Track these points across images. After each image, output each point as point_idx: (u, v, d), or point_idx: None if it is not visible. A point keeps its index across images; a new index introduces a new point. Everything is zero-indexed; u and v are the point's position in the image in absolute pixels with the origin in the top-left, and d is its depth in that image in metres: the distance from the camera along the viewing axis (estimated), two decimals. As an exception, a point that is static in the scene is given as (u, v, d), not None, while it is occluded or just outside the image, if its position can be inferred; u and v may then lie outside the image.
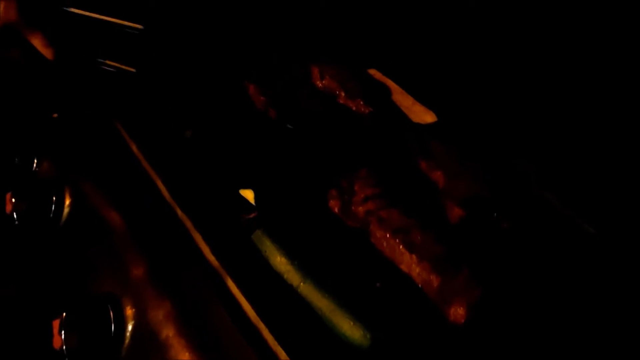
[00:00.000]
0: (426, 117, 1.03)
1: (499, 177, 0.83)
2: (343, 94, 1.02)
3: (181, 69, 1.03)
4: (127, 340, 0.70)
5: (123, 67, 1.01)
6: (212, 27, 1.10)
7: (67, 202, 0.93)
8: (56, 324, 0.72)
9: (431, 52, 1.15)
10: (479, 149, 0.90)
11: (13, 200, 0.92)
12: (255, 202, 0.75)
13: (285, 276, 0.66)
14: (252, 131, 0.88)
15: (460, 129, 0.96)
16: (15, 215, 0.91)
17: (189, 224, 0.75)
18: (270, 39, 1.11)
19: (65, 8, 1.00)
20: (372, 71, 1.14)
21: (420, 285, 0.66)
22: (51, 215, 0.91)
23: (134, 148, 0.91)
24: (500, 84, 1.03)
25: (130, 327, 0.71)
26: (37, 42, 1.03)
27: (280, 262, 0.67)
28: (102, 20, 1.02)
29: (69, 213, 0.92)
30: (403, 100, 1.07)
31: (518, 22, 1.03)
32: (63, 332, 0.71)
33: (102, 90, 1.04)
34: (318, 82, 1.05)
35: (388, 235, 0.69)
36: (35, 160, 1.00)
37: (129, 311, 0.73)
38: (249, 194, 0.76)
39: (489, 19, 1.09)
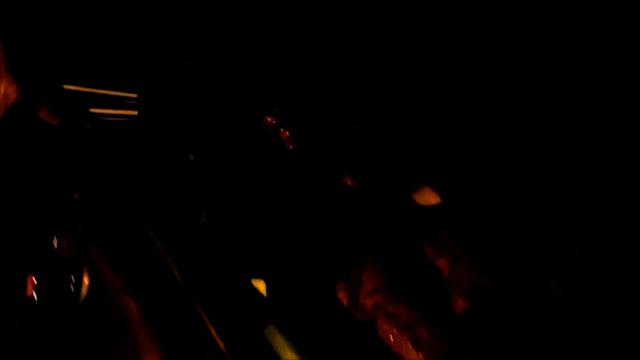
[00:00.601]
0: (430, 198, 1.06)
1: (503, 265, 0.86)
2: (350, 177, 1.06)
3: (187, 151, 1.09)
4: None
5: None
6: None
7: (86, 282, 0.97)
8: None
9: (436, 132, 1.20)
10: (484, 235, 0.93)
11: (34, 282, 0.96)
12: (267, 293, 0.78)
13: (295, 373, 0.68)
14: (263, 222, 0.91)
15: (465, 212, 1.00)
16: (35, 297, 0.95)
17: (203, 314, 0.78)
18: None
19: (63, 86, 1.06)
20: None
21: (426, 383, 0.68)
22: (70, 296, 0.95)
23: (152, 233, 0.95)
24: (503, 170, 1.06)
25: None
26: (44, 115, 1.09)
27: (290, 358, 0.69)
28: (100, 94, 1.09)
29: (87, 294, 0.96)
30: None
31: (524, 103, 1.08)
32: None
33: (117, 171, 1.09)
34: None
35: (395, 331, 0.72)
36: (56, 240, 1.05)
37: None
38: (260, 285, 0.79)
39: (495, 101, 1.13)
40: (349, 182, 1.03)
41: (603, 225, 0.94)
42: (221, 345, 0.73)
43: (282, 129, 1.10)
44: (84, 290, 0.95)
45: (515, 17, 1.05)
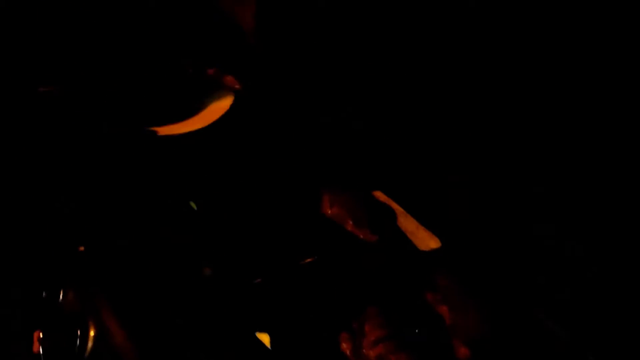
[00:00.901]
0: (431, 242, 1.08)
1: (505, 311, 0.88)
2: (351, 222, 1.08)
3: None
4: None
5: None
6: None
7: (91, 335, 0.98)
8: None
9: (433, 174, 1.23)
10: (485, 280, 0.95)
11: (41, 337, 0.97)
12: (271, 345, 0.79)
13: None
14: (265, 274, 0.93)
15: (465, 257, 1.02)
16: (41, 353, 0.95)
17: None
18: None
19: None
20: (377, 193, 1.21)
21: None
22: (76, 350, 0.96)
23: (156, 284, 0.96)
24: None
25: None
26: None
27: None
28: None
29: (93, 347, 0.96)
30: (407, 224, 1.13)
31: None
32: None
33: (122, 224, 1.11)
34: (328, 210, 1.12)
35: (399, 382, 0.73)
36: (61, 294, 1.06)
37: None
38: (265, 338, 0.81)
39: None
40: (362, 235, 1.05)
41: (604, 269, 0.95)
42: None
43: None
44: (90, 344, 0.96)
45: (505, 17, 1.07)
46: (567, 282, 0.94)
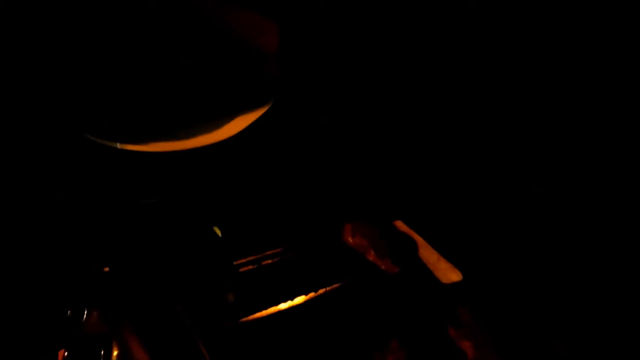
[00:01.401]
0: (452, 275, 1.09)
1: (526, 346, 0.88)
2: (373, 252, 1.10)
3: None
4: None
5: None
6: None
7: (115, 354, 0.99)
8: None
9: (453, 207, 1.23)
10: (505, 315, 0.95)
11: (65, 355, 0.98)
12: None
13: None
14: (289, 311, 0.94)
15: (487, 290, 1.02)
16: (65, 372, 0.97)
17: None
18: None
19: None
20: (397, 223, 1.22)
21: None
22: (99, 370, 0.97)
23: (179, 308, 0.98)
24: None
25: None
26: None
27: None
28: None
29: (115, 367, 0.97)
30: (429, 256, 1.14)
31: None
32: None
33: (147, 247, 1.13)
34: (350, 239, 1.13)
35: (422, 416, 0.73)
36: (85, 313, 1.07)
37: None
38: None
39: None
40: (385, 266, 1.06)
41: (623, 305, 0.95)
42: None
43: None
44: (113, 364, 0.97)
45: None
46: (586, 317, 0.94)
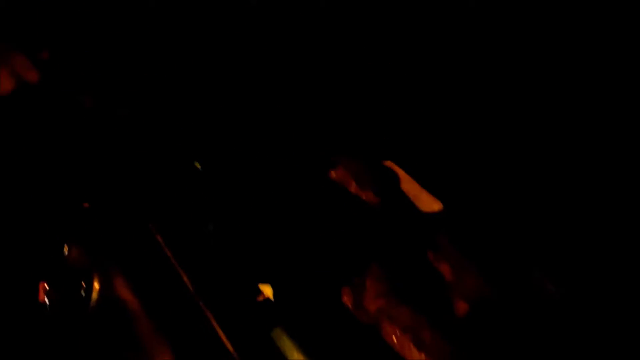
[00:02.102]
0: (433, 206, 1.09)
1: (503, 270, 0.89)
2: (354, 185, 1.09)
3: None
4: None
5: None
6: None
7: (96, 288, 0.99)
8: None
9: (439, 141, 1.23)
10: (485, 240, 0.96)
11: (46, 288, 0.98)
12: (274, 297, 0.81)
13: (302, 373, 0.70)
14: (268, 228, 0.94)
15: (467, 219, 1.02)
16: (47, 303, 0.97)
17: (211, 317, 0.81)
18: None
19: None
20: (387, 163, 1.21)
21: (429, 383, 0.70)
22: (81, 301, 0.97)
23: (160, 240, 0.97)
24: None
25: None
26: None
27: (297, 358, 0.71)
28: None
29: (98, 299, 0.98)
30: (411, 188, 1.14)
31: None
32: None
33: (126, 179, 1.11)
34: (332, 173, 1.12)
35: (398, 333, 0.74)
36: (67, 248, 1.07)
37: (154, 401, 0.78)
38: (267, 289, 0.82)
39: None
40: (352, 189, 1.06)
41: (602, 229, 0.96)
42: (229, 347, 0.75)
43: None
44: (95, 296, 0.98)
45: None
46: (565, 243, 0.95)
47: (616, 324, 0.82)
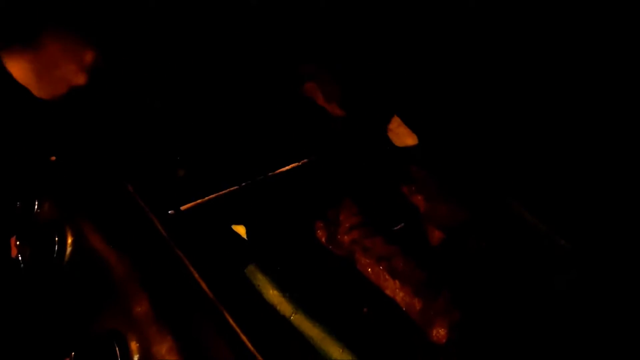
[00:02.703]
0: (408, 140, 1.07)
1: (477, 199, 0.88)
2: (321, 97, 1.06)
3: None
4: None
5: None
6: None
7: (69, 241, 0.97)
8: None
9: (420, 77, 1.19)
10: (458, 173, 0.95)
11: (18, 244, 0.96)
12: (247, 236, 0.80)
13: (278, 308, 0.70)
14: (240, 168, 0.92)
15: (440, 152, 1.01)
16: (20, 259, 0.95)
17: (186, 261, 0.80)
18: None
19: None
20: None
21: (404, 309, 0.70)
22: (54, 255, 0.96)
23: (130, 188, 0.95)
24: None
25: (135, 361, 0.76)
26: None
27: (272, 294, 0.71)
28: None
29: (71, 252, 0.96)
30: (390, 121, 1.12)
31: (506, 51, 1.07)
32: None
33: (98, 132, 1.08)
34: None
35: (373, 263, 0.74)
36: (36, 203, 1.05)
37: (134, 346, 0.78)
38: (241, 229, 0.81)
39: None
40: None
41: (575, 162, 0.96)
42: (204, 286, 0.75)
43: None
44: (68, 249, 0.96)
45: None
46: (540, 171, 0.95)
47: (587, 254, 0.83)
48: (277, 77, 1.08)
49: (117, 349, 0.78)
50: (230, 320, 0.71)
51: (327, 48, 1.18)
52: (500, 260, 0.80)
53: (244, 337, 0.69)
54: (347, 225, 0.79)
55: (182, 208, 0.88)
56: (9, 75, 1.11)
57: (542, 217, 0.90)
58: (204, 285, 0.75)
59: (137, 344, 0.78)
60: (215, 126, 1.00)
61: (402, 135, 1.09)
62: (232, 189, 0.89)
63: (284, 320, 0.69)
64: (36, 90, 0.98)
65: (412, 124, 1.10)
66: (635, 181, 0.89)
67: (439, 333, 0.67)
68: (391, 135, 1.08)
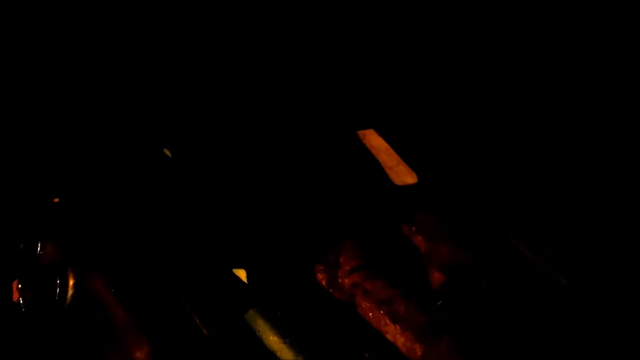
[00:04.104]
0: (408, 178, 1.08)
1: (478, 239, 0.88)
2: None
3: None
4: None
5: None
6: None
7: (71, 283, 0.98)
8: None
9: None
10: (458, 213, 0.95)
11: (19, 287, 0.97)
12: (248, 280, 0.80)
13: (278, 354, 0.70)
14: (241, 211, 0.93)
15: (441, 192, 1.02)
16: (22, 302, 0.96)
17: (188, 305, 0.80)
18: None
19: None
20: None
21: (405, 354, 0.70)
22: (56, 297, 0.96)
23: (134, 232, 0.96)
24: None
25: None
26: None
27: (272, 340, 0.71)
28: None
29: (73, 294, 0.96)
30: (388, 160, 1.13)
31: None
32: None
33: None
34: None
35: (373, 307, 0.74)
36: (39, 245, 1.05)
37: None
38: (242, 273, 0.81)
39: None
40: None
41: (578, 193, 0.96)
42: (205, 332, 0.74)
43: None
44: (70, 292, 0.96)
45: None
46: (542, 209, 0.95)
47: (592, 291, 0.82)
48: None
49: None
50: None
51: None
52: (502, 302, 0.79)
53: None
54: (347, 268, 0.79)
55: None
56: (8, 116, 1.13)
57: (544, 256, 0.90)
58: (204, 330, 0.75)
59: (138, 390, 0.77)
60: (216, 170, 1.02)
61: (402, 174, 1.09)
62: (233, 232, 0.90)
63: (285, 367, 0.69)
64: None
65: (411, 163, 1.10)
66: (636, 218, 0.89)
67: (441, 379, 0.66)
68: (390, 173, 1.08)
